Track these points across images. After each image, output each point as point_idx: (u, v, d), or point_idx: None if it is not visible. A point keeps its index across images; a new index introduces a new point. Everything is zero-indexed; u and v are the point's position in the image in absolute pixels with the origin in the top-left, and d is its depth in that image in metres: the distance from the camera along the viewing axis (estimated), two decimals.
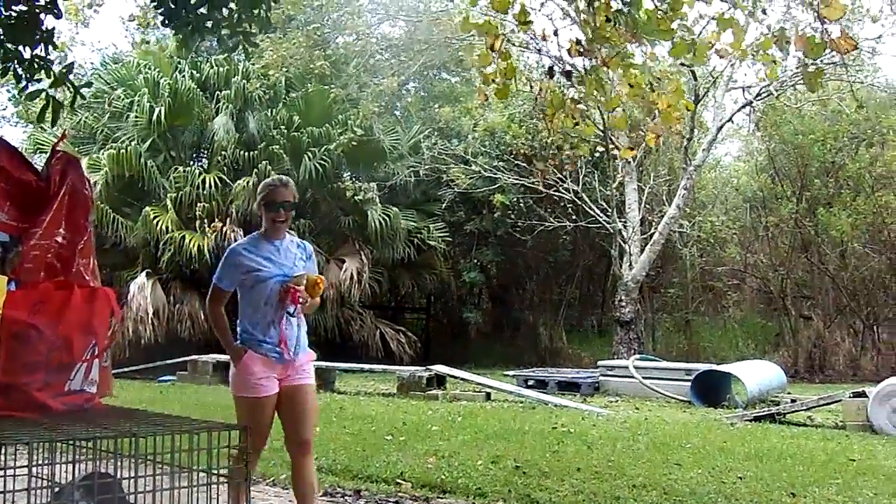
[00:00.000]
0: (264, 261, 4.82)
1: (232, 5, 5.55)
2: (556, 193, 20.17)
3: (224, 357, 15.95)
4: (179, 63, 19.53)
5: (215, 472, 2.58)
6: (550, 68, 8.28)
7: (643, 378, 14.10)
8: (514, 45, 16.55)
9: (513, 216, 21.41)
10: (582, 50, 6.32)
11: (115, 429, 2.57)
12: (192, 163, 19.70)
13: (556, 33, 7.04)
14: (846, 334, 20.40)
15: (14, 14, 5.30)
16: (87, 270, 3.74)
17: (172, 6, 5.56)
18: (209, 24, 5.58)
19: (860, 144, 20.39)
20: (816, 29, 5.70)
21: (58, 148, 3.91)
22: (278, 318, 4.78)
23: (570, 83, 7.59)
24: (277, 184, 4.90)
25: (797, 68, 14.33)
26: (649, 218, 20.51)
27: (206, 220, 17.76)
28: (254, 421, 4.61)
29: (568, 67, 7.74)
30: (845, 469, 7.54)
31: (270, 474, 7.20)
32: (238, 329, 4.91)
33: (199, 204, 17.96)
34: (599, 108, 12.42)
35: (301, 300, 4.78)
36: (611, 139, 17.36)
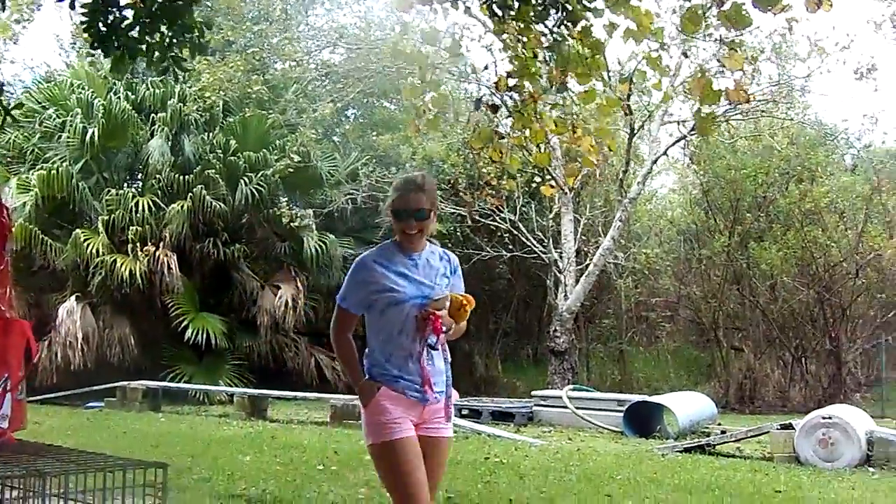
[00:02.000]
0: (399, 278, 3.89)
1: (164, 29, 5.48)
2: (493, 223, 20.24)
3: (155, 383, 15.80)
4: (114, 84, 19.24)
5: None
6: (478, 100, 8.33)
7: (576, 408, 14.15)
8: (451, 75, 16.66)
9: (450, 245, 21.35)
10: (509, 85, 6.37)
11: (24, 466, 2.47)
12: (125, 185, 19.37)
13: (486, 67, 7.09)
14: (776, 366, 20.71)
15: None
16: (3, 301, 3.61)
17: (103, 30, 5.48)
18: (141, 46, 5.51)
19: (790, 180, 20.81)
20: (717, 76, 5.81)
21: None
22: (417, 350, 3.86)
23: (496, 117, 7.64)
24: (411, 187, 3.94)
25: (698, 110, 14.55)
26: (585, 249, 20.67)
27: (138, 244, 17.47)
28: (400, 473, 3.78)
29: (497, 101, 7.78)
30: (771, 501, 7.63)
31: None
32: (365, 363, 4.01)
33: (131, 227, 17.67)
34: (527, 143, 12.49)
35: (444, 328, 3.87)
36: (548, 171, 17.50)
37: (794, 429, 10.58)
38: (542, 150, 7.60)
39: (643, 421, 13.48)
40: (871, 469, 9.83)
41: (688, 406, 13.88)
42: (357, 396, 3.98)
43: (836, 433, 10.15)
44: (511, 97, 6.76)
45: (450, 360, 4.02)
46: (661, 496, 7.62)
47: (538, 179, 18.62)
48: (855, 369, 20.66)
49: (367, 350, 4.02)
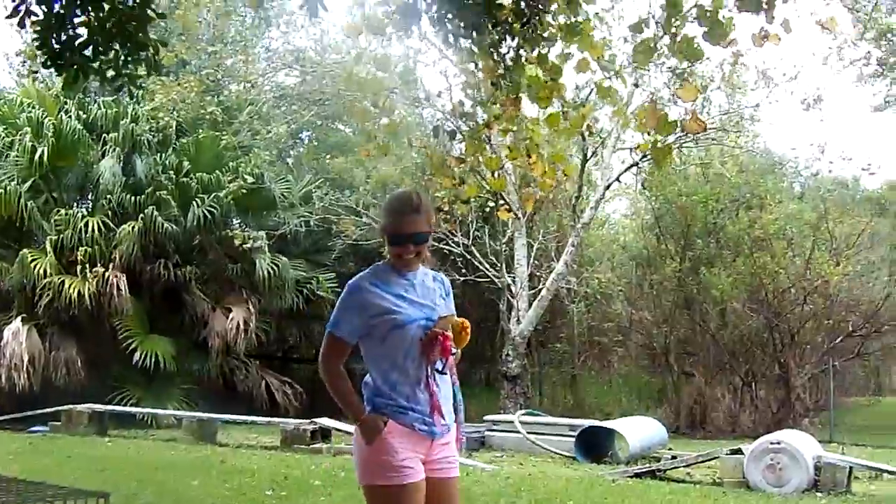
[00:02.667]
0: (398, 300, 3.60)
1: (117, 47, 5.43)
2: (447, 247, 20.26)
3: (101, 406, 15.55)
4: (66, 103, 19.01)
5: None
6: (436, 128, 8.37)
7: (528, 433, 14.15)
8: (406, 100, 16.72)
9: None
10: (464, 112, 6.41)
11: None
12: (75, 205, 19.10)
13: (440, 94, 7.16)
14: (726, 391, 20.86)
15: None
16: None
17: (56, 47, 5.42)
18: (94, 65, 5.46)
19: (740, 207, 21.08)
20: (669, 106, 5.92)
21: None
22: (425, 376, 3.57)
23: (452, 142, 7.70)
24: (406, 209, 3.61)
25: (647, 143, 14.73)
26: (538, 273, 20.76)
27: (87, 265, 17.21)
28: None
29: (454, 127, 7.83)
30: None
31: None
32: (365, 394, 3.70)
33: (81, 248, 17.41)
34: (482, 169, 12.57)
35: (453, 351, 3.60)
36: (502, 196, 17.59)
37: (743, 454, 10.67)
38: (498, 176, 7.63)
39: (594, 446, 13.51)
40: (818, 494, 9.93)
41: (639, 431, 13.95)
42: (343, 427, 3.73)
43: (784, 458, 10.26)
44: (466, 123, 6.80)
45: (458, 384, 3.72)
46: None
47: (492, 204, 18.69)
48: (804, 394, 20.87)
49: (364, 381, 3.74)
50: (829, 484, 10.20)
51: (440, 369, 3.59)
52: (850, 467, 10.58)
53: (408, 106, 18.47)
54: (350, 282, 3.68)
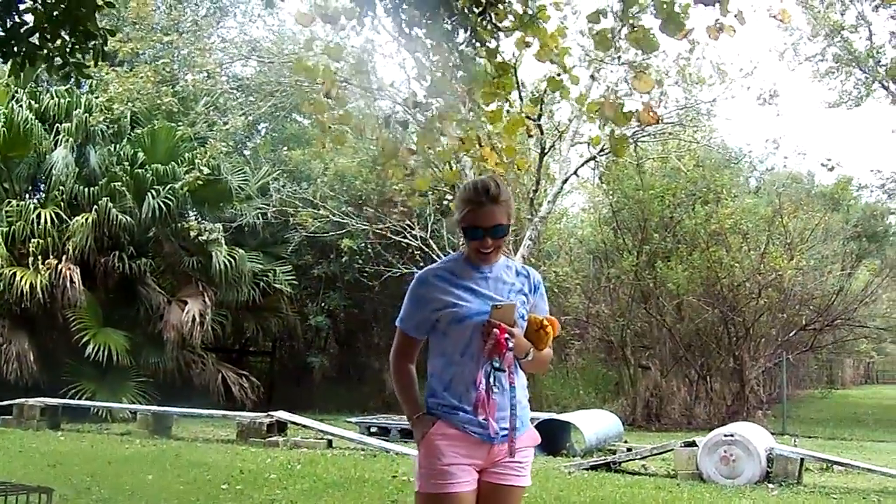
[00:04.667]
0: (465, 292, 3.33)
1: (65, 35, 5.33)
2: (404, 240, 20.23)
3: (54, 400, 15.34)
4: (16, 92, 18.69)
5: None
6: (387, 118, 8.32)
7: None
8: (363, 91, 16.61)
9: (360, 261, 21.34)
10: (416, 102, 6.38)
11: None
12: (26, 196, 18.84)
13: (392, 84, 7.13)
14: (682, 384, 21.06)
15: None
16: None
17: (2, 34, 5.31)
18: (42, 52, 5.36)
19: (696, 202, 21.24)
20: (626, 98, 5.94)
21: None
22: (480, 373, 3.23)
23: (405, 133, 7.67)
24: (483, 198, 3.32)
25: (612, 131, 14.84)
26: None
27: (39, 257, 16.96)
28: None
29: (408, 118, 7.80)
30: None
31: None
32: (425, 394, 3.45)
33: (33, 239, 17.15)
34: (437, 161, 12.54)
35: (510, 345, 3.21)
36: (458, 188, 17.56)
37: (697, 446, 10.77)
38: (452, 168, 7.61)
39: (551, 438, 13.54)
40: (770, 485, 10.05)
41: (595, 424, 14.05)
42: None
43: (737, 450, 10.36)
44: (421, 113, 6.77)
45: (525, 386, 3.41)
46: None
47: (450, 197, 18.67)
48: (757, 387, 21.16)
49: (427, 378, 3.47)
50: (781, 475, 10.33)
51: (498, 366, 3.22)
52: (802, 459, 10.73)
53: (363, 97, 18.37)
54: (418, 273, 3.48)
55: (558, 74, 6.30)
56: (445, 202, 19.38)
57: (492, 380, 3.21)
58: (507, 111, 6.46)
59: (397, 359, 3.47)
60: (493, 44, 5.92)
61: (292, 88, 19.62)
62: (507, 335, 3.17)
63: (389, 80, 18.40)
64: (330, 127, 6.89)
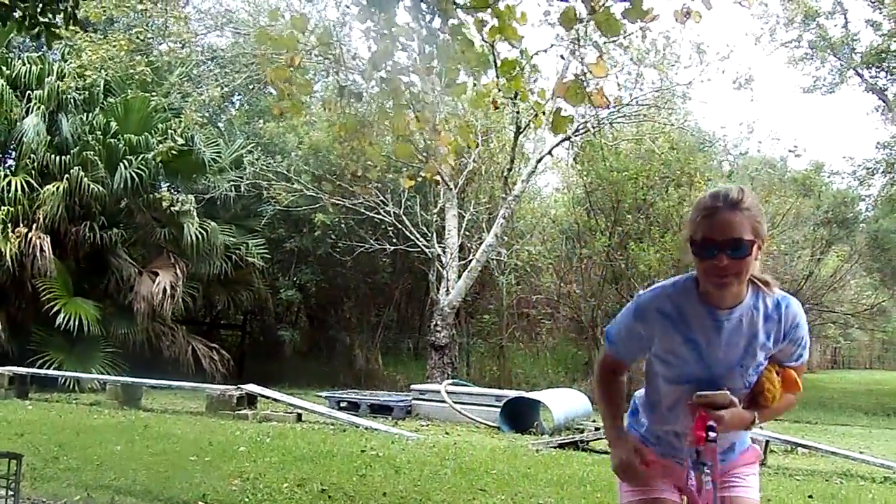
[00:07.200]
0: (687, 346, 2.75)
1: None
2: (378, 216, 20.23)
3: (23, 370, 15.24)
4: None
5: None
6: (341, 88, 8.30)
7: (454, 403, 14.25)
8: (328, 61, 16.49)
9: (333, 236, 21.33)
10: (382, 77, 6.38)
11: None
12: None
13: (354, 56, 7.13)
14: None
15: None
16: None
17: None
18: (13, 13, 5.30)
19: (670, 184, 21.36)
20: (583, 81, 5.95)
21: None
22: (687, 437, 2.74)
23: (360, 105, 7.66)
24: (719, 203, 2.63)
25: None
26: (468, 244, 20.84)
27: (9, 225, 16.83)
28: None
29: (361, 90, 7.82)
30: None
31: None
32: (629, 411, 3.12)
33: (2, 207, 16.99)
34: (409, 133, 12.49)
35: (711, 434, 2.65)
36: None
37: None
38: (401, 142, 7.58)
39: (520, 416, 13.67)
40: None
41: (564, 402, 14.15)
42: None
43: None
44: (382, 87, 6.77)
45: (712, 470, 2.71)
46: (534, 490, 7.74)
47: (424, 175, 18.64)
48: None
49: (636, 393, 3.14)
50: None
51: (701, 459, 2.71)
52: (767, 441, 10.87)
53: (327, 69, 18.24)
54: (641, 296, 2.91)
55: (517, 58, 6.35)
56: (419, 179, 19.36)
57: (699, 470, 2.71)
58: (474, 84, 6.49)
59: (600, 372, 3.08)
60: (455, 20, 5.92)
61: (268, 61, 19.45)
62: (711, 423, 2.65)
63: (361, 54, 18.30)
64: (288, 95, 6.86)
